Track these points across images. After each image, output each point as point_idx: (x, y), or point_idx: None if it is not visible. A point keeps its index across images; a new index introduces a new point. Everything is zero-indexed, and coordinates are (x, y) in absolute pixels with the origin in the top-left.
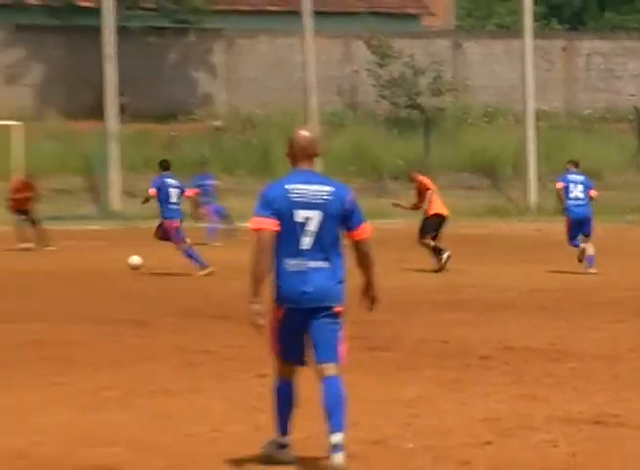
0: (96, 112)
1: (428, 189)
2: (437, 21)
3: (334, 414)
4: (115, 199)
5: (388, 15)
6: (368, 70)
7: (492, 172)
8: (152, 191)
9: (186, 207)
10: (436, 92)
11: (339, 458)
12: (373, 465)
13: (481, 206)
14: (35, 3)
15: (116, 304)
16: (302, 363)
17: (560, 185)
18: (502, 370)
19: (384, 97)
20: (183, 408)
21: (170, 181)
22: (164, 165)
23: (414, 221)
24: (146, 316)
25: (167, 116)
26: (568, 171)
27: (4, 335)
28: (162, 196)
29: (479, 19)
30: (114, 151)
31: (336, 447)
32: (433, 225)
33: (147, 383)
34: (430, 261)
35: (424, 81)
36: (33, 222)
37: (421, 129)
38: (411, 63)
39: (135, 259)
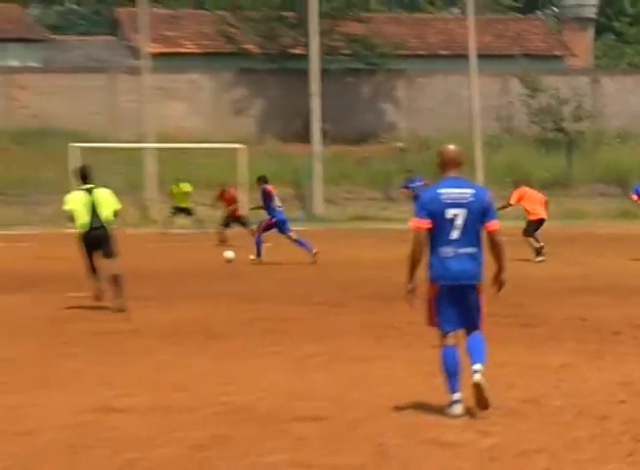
0: (304, 137)
1: (512, 199)
2: (578, 61)
3: (475, 352)
4: (318, 205)
5: (538, 56)
6: (521, 100)
7: (624, 183)
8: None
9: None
10: (577, 118)
11: (477, 377)
12: (527, 419)
13: (614, 210)
14: (256, 51)
15: (319, 288)
16: (456, 327)
17: (635, 197)
18: (632, 343)
19: (534, 122)
20: (374, 372)
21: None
22: (265, 179)
23: (551, 222)
24: (343, 299)
25: (360, 139)
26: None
27: (236, 313)
28: (268, 201)
29: (612, 58)
30: (317, 167)
31: (475, 372)
32: (534, 226)
33: (345, 352)
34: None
35: (567, 110)
36: (244, 224)
37: (564, 149)
38: (556, 95)
39: (229, 254)
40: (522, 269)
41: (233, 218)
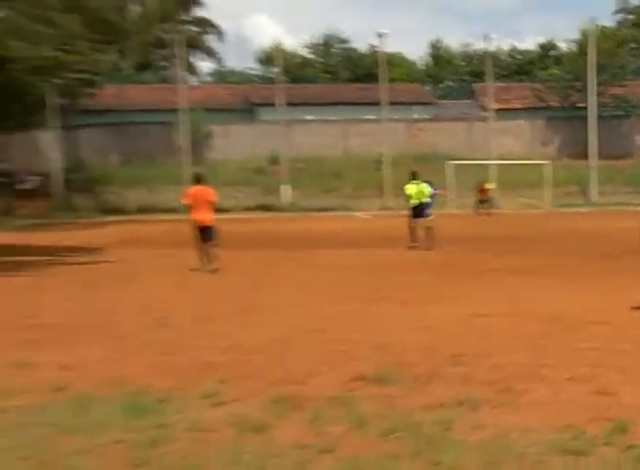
0: (584, 156)
1: None
2: None
3: None
4: (594, 196)
5: None
6: None
7: None
8: (439, 191)
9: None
10: None
11: None
12: None
13: None
14: (557, 105)
15: (593, 245)
16: None
17: None
18: None
19: None
20: (627, 298)
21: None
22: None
23: None
24: (613, 252)
25: (620, 156)
26: None
27: (539, 261)
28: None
29: None
30: (593, 174)
31: None
32: None
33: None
34: None
35: None
36: (489, 206)
37: None
38: None
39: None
40: None
41: (483, 202)
